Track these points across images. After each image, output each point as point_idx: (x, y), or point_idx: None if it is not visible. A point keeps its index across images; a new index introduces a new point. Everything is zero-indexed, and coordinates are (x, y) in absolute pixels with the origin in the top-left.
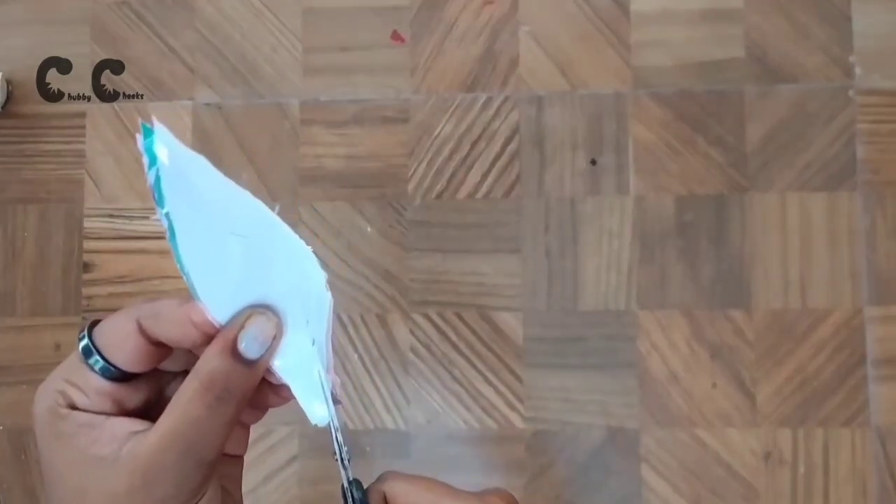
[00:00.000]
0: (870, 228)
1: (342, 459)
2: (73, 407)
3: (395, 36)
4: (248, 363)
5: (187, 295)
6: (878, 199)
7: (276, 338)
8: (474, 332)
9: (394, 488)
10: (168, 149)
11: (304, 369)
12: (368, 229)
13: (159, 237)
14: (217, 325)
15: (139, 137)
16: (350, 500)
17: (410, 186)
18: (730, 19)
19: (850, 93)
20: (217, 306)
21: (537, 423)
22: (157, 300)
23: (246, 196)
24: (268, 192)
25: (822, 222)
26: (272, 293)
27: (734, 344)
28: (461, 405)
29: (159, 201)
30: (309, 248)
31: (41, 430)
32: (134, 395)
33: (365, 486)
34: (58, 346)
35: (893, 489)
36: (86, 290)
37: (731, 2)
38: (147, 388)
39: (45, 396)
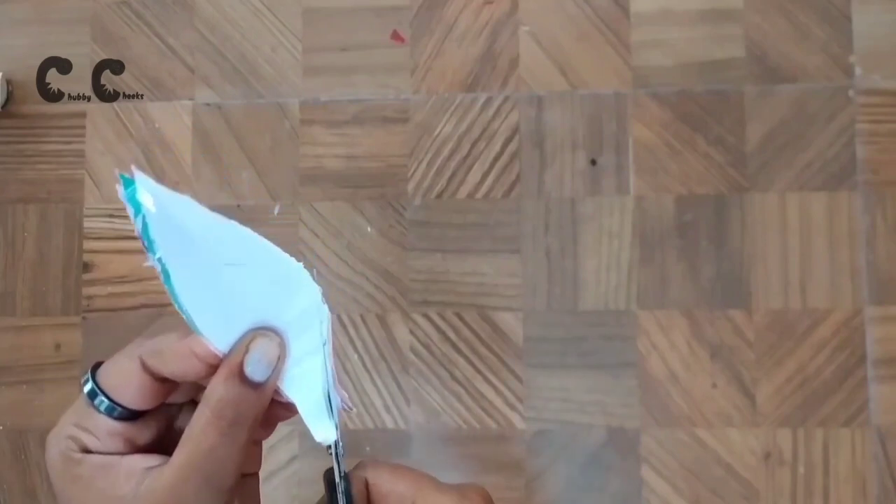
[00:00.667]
0: (870, 228)
1: (336, 453)
2: (86, 450)
3: (395, 36)
4: (256, 386)
5: (186, 326)
6: (878, 199)
7: (281, 358)
8: (474, 332)
9: (376, 476)
10: (152, 195)
11: (309, 387)
12: (368, 229)
13: None
14: (220, 355)
15: (119, 188)
16: (339, 490)
17: (410, 186)
18: (730, 19)
19: (850, 93)
20: (218, 337)
21: (537, 423)
22: (157, 336)
23: (233, 226)
24: (268, 192)
25: (822, 222)
26: (271, 315)
27: (734, 344)
28: (461, 405)
29: (150, 248)
30: (301, 264)
31: (57, 476)
32: (144, 432)
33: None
34: (58, 347)
35: (893, 489)
36: (86, 290)
37: (731, 2)
38: (156, 422)
39: (57, 443)
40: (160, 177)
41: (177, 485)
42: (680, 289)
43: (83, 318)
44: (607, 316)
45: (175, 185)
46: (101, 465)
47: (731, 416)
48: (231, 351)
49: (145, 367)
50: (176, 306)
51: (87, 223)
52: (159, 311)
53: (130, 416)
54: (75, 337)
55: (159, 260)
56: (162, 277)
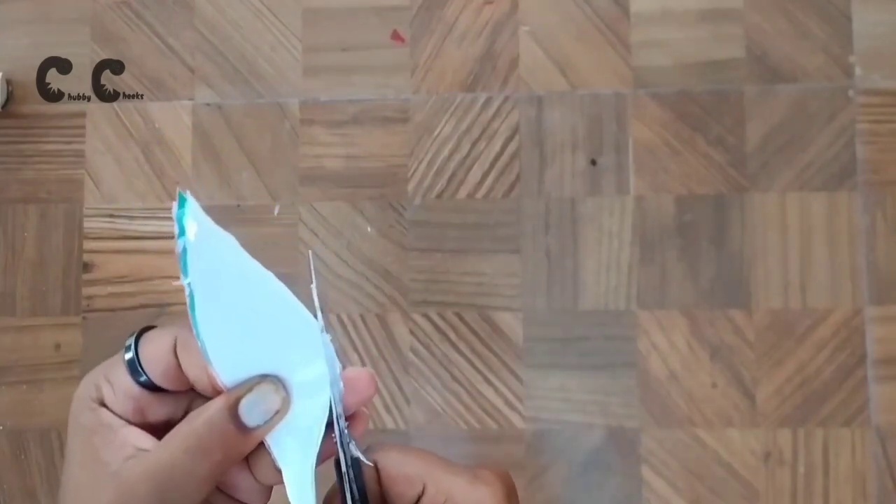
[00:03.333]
0: (870, 228)
1: (340, 432)
2: (102, 403)
3: (395, 36)
4: (244, 428)
5: None
6: (878, 199)
7: (280, 413)
8: (474, 332)
9: (385, 459)
10: (197, 224)
11: (299, 455)
12: (368, 229)
13: (159, 237)
14: (224, 390)
15: (174, 205)
16: (346, 475)
17: (410, 186)
18: (730, 19)
19: (850, 93)
20: (228, 375)
21: (537, 423)
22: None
23: (266, 276)
24: (268, 192)
25: (822, 222)
26: (283, 373)
27: (734, 344)
28: (461, 405)
29: (183, 271)
30: (328, 336)
31: (72, 418)
32: (160, 408)
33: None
34: (58, 346)
35: (893, 489)
36: (86, 290)
37: (730, 2)
38: (175, 404)
39: (86, 386)
40: (160, 177)
41: (135, 482)
42: (680, 289)
43: (83, 318)
44: (607, 316)
45: (175, 185)
46: (104, 424)
47: (731, 416)
48: (237, 385)
49: (174, 351)
50: (195, 333)
51: (87, 223)
52: (159, 311)
53: (152, 386)
54: (75, 337)
55: (189, 285)
56: (188, 302)
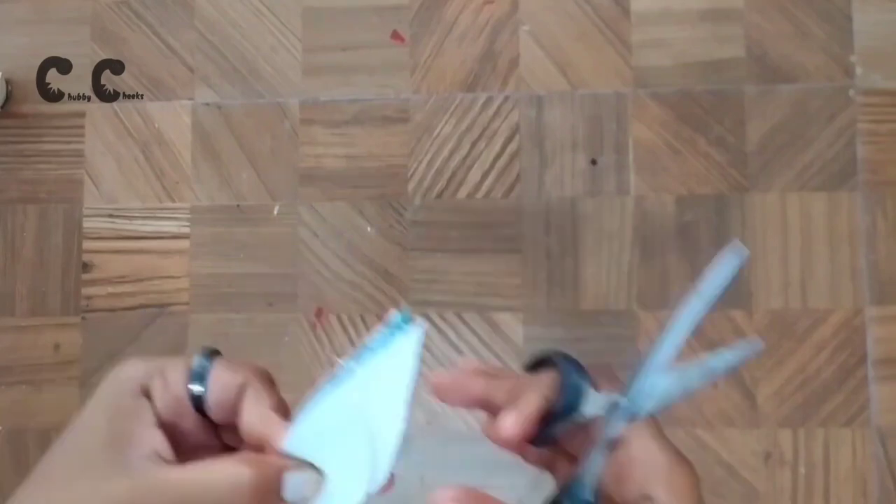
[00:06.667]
0: (870, 228)
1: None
2: (147, 393)
3: (395, 36)
4: (277, 495)
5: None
6: (878, 199)
7: (306, 501)
8: (474, 332)
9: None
10: (404, 342)
11: None
12: (368, 229)
13: (159, 237)
14: (276, 449)
15: (395, 314)
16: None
17: (410, 186)
18: (730, 19)
19: (851, 93)
20: (296, 443)
21: None
22: (273, 390)
23: (399, 416)
24: (268, 192)
25: (822, 222)
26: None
27: (734, 344)
28: None
29: (356, 357)
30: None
31: (109, 392)
32: (192, 424)
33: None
34: (57, 347)
35: (893, 489)
36: (85, 290)
37: (731, 1)
38: (204, 431)
39: (136, 369)
40: (160, 177)
41: (156, 486)
42: (680, 289)
43: (83, 318)
44: (607, 316)
45: (175, 185)
46: (139, 416)
47: (732, 416)
48: (294, 457)
49: (239, 391)
50: (312, 398)
51: (87, 223)
52: (159, 311)
53: (197, 402)
54: (74, 337)
55: (346, 368)
56: (333, 376)
